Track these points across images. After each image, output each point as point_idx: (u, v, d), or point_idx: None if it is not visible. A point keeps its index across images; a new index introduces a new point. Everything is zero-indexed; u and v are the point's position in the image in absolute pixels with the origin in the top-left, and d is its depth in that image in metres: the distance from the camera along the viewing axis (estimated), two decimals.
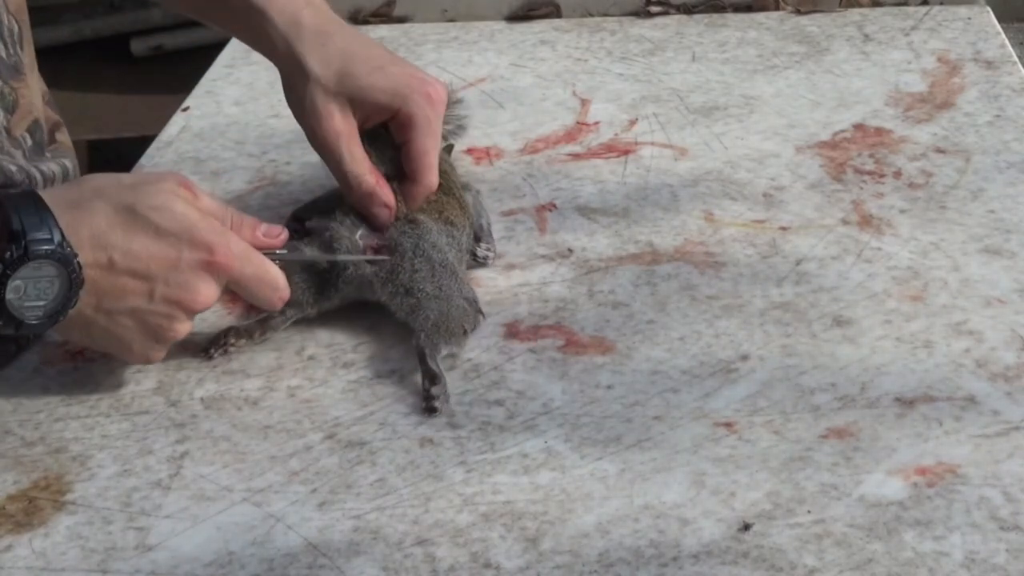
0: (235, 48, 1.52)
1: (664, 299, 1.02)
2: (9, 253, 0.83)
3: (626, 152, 1.24)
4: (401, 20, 1.57)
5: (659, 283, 1.04)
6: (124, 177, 0.93)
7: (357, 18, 1.57)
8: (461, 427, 0.90)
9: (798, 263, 1.06)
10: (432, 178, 1.04)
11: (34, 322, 0.86)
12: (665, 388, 0.92)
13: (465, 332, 0.97)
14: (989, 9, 1.50)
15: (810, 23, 1.50)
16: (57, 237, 0.84)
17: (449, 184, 1.07)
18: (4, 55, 1.04)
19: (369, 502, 0.84)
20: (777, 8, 1.53)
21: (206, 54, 1.55)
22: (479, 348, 0.97)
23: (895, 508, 0.80)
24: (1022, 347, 0.94)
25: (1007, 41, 1.42)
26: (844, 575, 0.76)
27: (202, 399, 0.95)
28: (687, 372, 0.94)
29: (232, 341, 0.98)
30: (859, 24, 1.48)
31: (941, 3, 1.51)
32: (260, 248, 0.94)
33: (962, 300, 1.00)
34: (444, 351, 0.95)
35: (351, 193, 1.02)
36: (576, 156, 1.24)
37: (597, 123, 1.30)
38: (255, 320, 1.00)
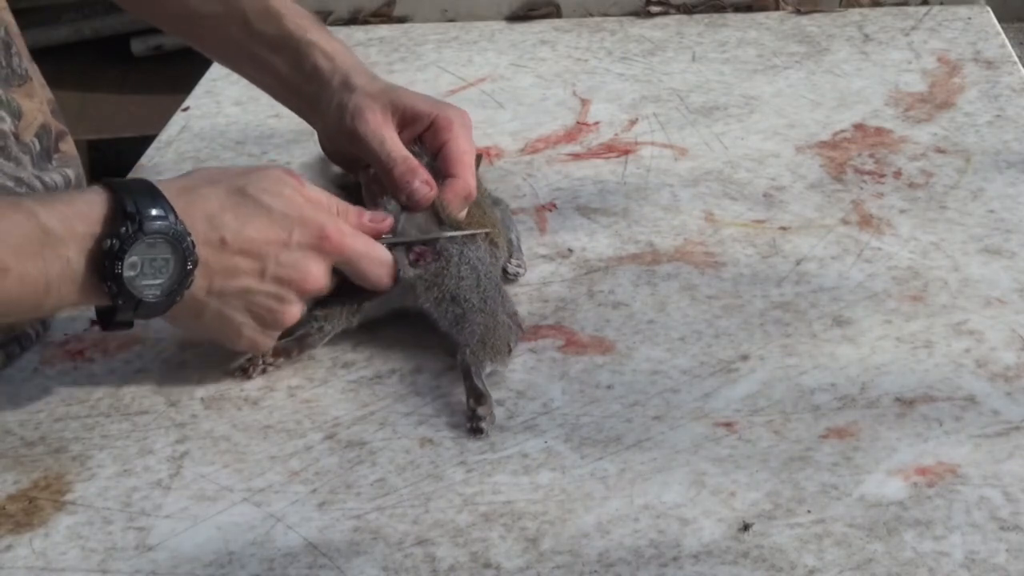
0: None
1: (664, 299, 1.02)
2: (124, 228, 0.84)
3: (626, 152, 1.24)
4: (401, 20, 1.57)
5: (659, 283, 1.04)
6: (233, 167, 0.95)
7: (357, 18, 1.57)
8: (461, 427, 0.90)
9: (798, 263, 1.06)
10: (471, 179, 1.04)
11: (152, 300, 0.86)
12: (665, 388, 0.92)
13: (509, 349, 0.95)
14: (989, 9, 1.50)
15: (810, 23, 1.50)
16: (171, 216, 0.86)
17: (481, 198, 1.06)
18: (2, 63, 1.05)
19: (369, 502, 0.84)
20: (777, 8, 1.53)
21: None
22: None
23: (895, 508, 0.80)
24: (1022, 347, 0.94)
25: (1007, 41, 1.42)
26: (844, 575, 0.76)
27: (202, 399, 0.95)
28: (687, 372, 0.94)
29: (270, 360, 0.97)
30: (859, 24, 1.48)
31: (941, 3, 1.51)
32: (367, 233, 0.96)
33: (962, 300, 1.00)
34: (488, 368, 0.93)
35: (392, 172, 1.02)
36: (576, 156, 1.24)
37: (597, 123, 1.30)
38: (293, 339, 0.97)
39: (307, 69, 1.08)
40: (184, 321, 0.92)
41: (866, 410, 0.89)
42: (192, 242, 0.87)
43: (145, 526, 0.83)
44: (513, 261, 1.05)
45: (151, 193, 0.87)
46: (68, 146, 1.16)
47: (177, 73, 1.97)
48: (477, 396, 0.90)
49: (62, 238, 0.83)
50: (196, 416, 0.93)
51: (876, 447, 0.85)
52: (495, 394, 0.92)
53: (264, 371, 0.97)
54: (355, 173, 1.10)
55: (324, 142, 1.11)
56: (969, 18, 1.47)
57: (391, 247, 0.97)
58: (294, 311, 0.93)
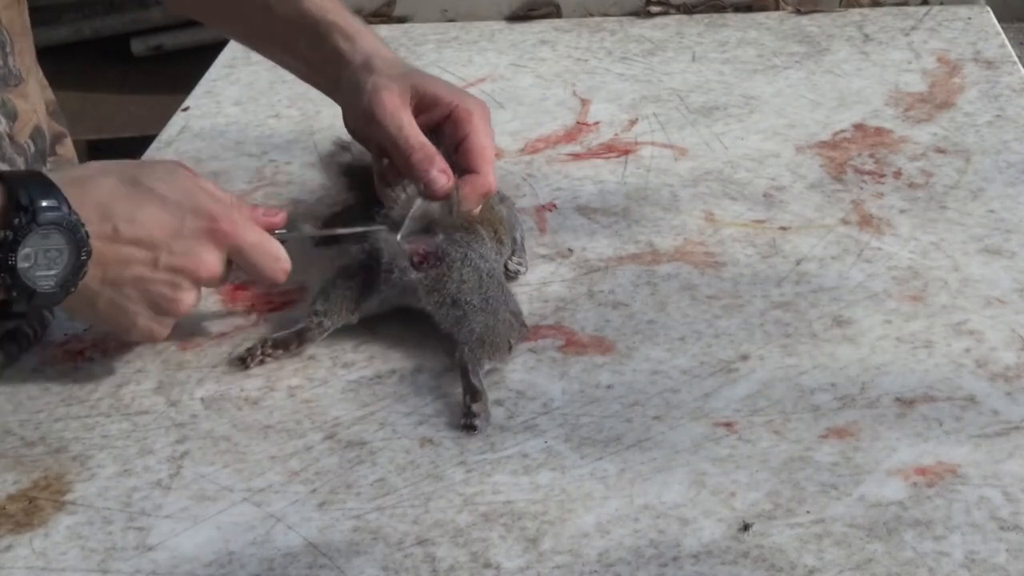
0: (235, 48, 1.52)
1: (664, 299, 1.02)
2: (18, 220, 0.84)
3: (626, 152, 1.24)
4: (401, 20, 1.57)
5: (659, 283, 1.04)
6: (128, 161, 0.95)
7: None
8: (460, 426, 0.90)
9: (798, 263, 1.06)
10: (491, 174, 1.03)
11: (46, 290, 0.86)
12: (665, 388, 0.92)
13: (510, 347, 0.95)
14: (989, 9, 1.50)
15: (810, 23, 1.50)
16: (64, 206, 0.86)
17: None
18: None
19: (369, 502, 0.84)
20: (777, 8, 1.53)
21: (206, 54, 1.55)
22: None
23: (895, 508, 0.80)
24: (1022, 347, 0.94)
25: (1007, 41, 1.42)
26: (844, 575, 0.76)
27: (202, 399, 0.95)
28: (687, 372, 0.94)
29: (268, 352, 0.97)
30: (859, 24, 1.48)
31: (941, 3, 1.51)
32: (260, 227, 0.95)
33: (962, 300, 1.00)
34: (487, 366, 0.93)
35: (409, 159, 1.01)
36: (576, 156, 1.24)
37: (597, 123, 1.30)
38: (292, 331, 0.98)
39: (327, 51, 1.08)
40: (79, 311, 0.93)
41: (866, 410, 0.89)
42: (86, 232, 0.87)
43: (145, 526, 0.83)
44: (514, 259, 1.05)
45: (44, 184, 0.87)
46: (66, 149, 1.16)
47: (177, 73, 1.97)
48: (473, 393, 0.90)
49: None
50: (196, 416, 0.93)
51: (876, 447, 0.85)
52: (495, 394, 0.92)
53: (262, 362, 0.97)
54: (378, 154, 1.09)
55: (347, 122, 1.10)
56: (969, 18, 1.47)
57: (402, 240, 0.98)
58: (189, 298, 0.93)
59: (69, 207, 0.86)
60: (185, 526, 0.83)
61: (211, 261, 0.92)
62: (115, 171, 0.92)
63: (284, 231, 0.98)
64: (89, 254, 0.87)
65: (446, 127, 1.04)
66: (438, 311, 0.96)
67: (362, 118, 1.05)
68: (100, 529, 0.83)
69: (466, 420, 0.89)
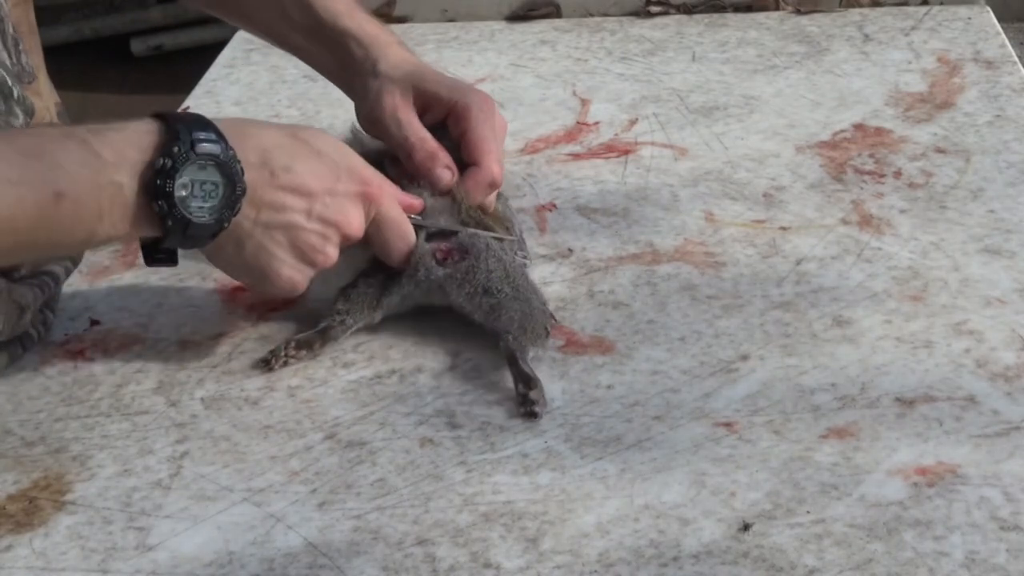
0: (235, 48, 1.52)
1: (664, 299, 1.02)
2: (176, 148, 0.85)
3: (626, 152, 1.24)
4: (401, 20, 1.57)
5: (659, 283, 1.04)
6: (278, 124, 0.98)
7: None
8: (461, 427, 0.90)
9: (798, 263, 1.06)
10: (494, 166, 1.04)
11: (202, 221, 0.87)
12: (665, 388, 0.92)
13: (547, 333, 0.96)
14: (989, 9, 1.50)
15: (810, 23, 1.50)
16: (222, 143, 0.87)
17: None
18: (8, 63, 1.05)
19: (369, 502, 0.84)
20: (777, 8, 1.53)
21: (206, 54, 1.55)
22: (479, 348, 0.97)
23: (895, 508, 0.80)
24: (1022, 347, 0.94)
25: (1007, 41, 1.42)
26: (844, 575, 0.76)
27: (202, 399, 0.95)
28: (687, 372, 0.94)
29: (292, 353, 0.97)
30: (859, 24, 1.48)
31: (941, 3, 1.51)
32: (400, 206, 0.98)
33: (962, 300, 1.00)
34: (531, 352, 0.94)
35: (412, 157, 1.03)
36: (576, 156, 1.24)
37: (597, 123, 1.30)
38: (315, 331, 0.98)
39: (342, 57, 1.09)
40: (226, 252, 0.93)
41: (866, 410, 0.89)
42: (241, 169, 0.88)
43: (145, 526, 0.83)
44: (520, 253, 1.06)
45: (203, 122, 0.88)
46: None
47: (177, 73, 1.98)
48: (526, 380, 0.91)
49: (115, 163, 0.84)
50: (196, 416, 0.93)
51: (876, 447, 0.85)
52: (497, 393, 0.92)
53: (286, 363, 0.97)
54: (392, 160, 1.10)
55: (361, 125, 1.11)
56: (969, 18, 1.47)
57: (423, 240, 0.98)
58: (335, 253, 0.94)
59: (226, 143, 0.87)
60: (185, 526, 0.83)
61: (358, 221, 0.94)
62: (275, 124, 0.94)
63: (418, 217, 0.99)
64: (244, 191, 0.88)
65: (449, 123, 1.05)
66: (471, 302, 0.97)
67: (368, 121, 1.06)
68: (100, 529, 0.83)
69: (525, 408, 0.90)
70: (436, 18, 1.57)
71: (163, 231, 0.87)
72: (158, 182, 0.85)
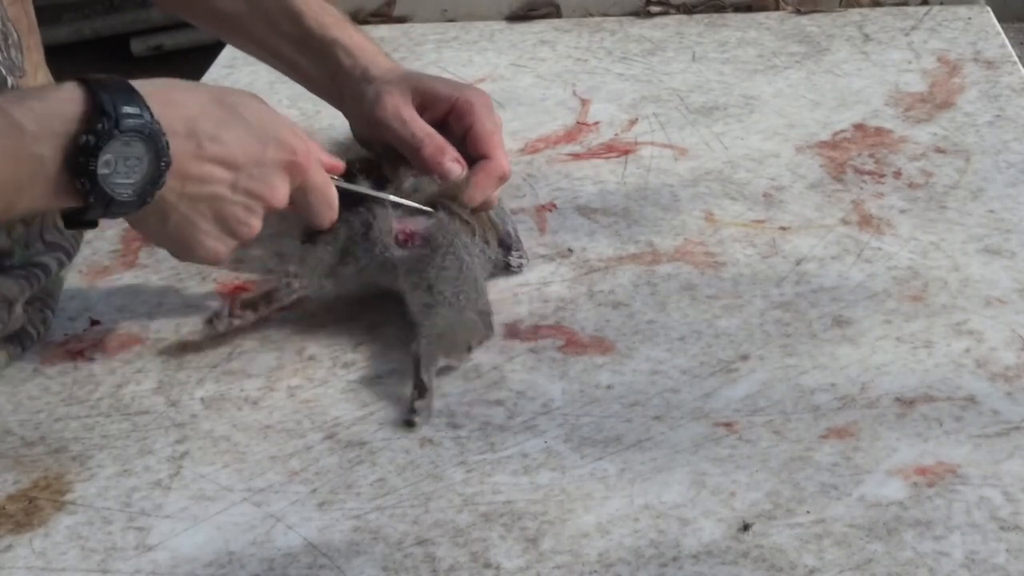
0: (235, 48, 1.52)
1: (664, 299, 1.02)
2: (101, 125, 0.83)
3: (626, 152, 1.24)
4: (401, 20, 1.57)
5: (659, 283, 1.04)
6: (207, 85, 0.97)
7: (357, 18, 1.57)
8: (461, 427, 0.90)
9: (798, 263, 1.06)
10: (503, 158, 1.04)
11: (124, 198, 0.86)
12: (665, 388, 0.92)
13: (469, 348, 0.95)
14: (989, 9, 1.50)
15: (810, 23, 1.50)
16: (147, 114, 0.85)
17: None
18: (3, 53, 1.05)
19: (369, 502, 0.84)
20: (777, 8, 1.53)
21: (206, 54, 1.55)
22: (479, 348, 0.97)
23: (895, 508, 0.80)
24: (1022, 347, 0.94)
25: (1007, 41, 1.42)
26: (844, 575, 0.76)
27: (202, 399, 0.95)
28: (687, 372, 0.94)
29: (237, 313, 0.98)
30: (859, 24, 1.48)
31: (941, 3, 1.51)
32: (325, 169, 0.97)
33: (962, 300, 1.00)
34: (442, 363, 0.93)
35: (420, 152, 1.03)
36: (576, 156, 1.24)
37: (597, 123, 1.30)
38: (259, 294, 0.99)
39: (331, 67, 1.09)
40: (150, 224, 0.92)
41: (866, 410, 0.89)
42: (167, 142, 0.86)
43: (145, 526, 0.83)
44: (515, 253, 1.06)
45: (128, 91, 0.86)
46: None
47: (177, 73, 1.97)
48: (420, 389, 0.90)
49: (36, 135, 0.82)
50: (196, 416, 0.93)
51: (876, 447, 0.85)
52: (495, 394, 0.92)
53: (230, 324, 0.97)
54: (391, 163, 1.10)
55: (356, 133, 1.12)
56: (969, 18, 1.47)
57: (394, 215, 0.99)
58: (257, 225, 0.93)
59: (152, 115, 0.85)
60: (185, 526, 0.83)
61: (283, 192, 0.93)
62: (203, 89, 0.93)
63: (339, 179, 0.99)
64: (168, 164, 0.86)
65: (451, 121, 1.06)
66: (412, 292, 0.97)
67: (368, 124, 1.06)
68: (100, 529, 0.83)
69: (407, 416, 0.90)
70: (436, 18, 1.57)
71: (85, 205, 0.85)
72: (80, 159, 0.83)
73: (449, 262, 0.97)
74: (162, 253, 1.03)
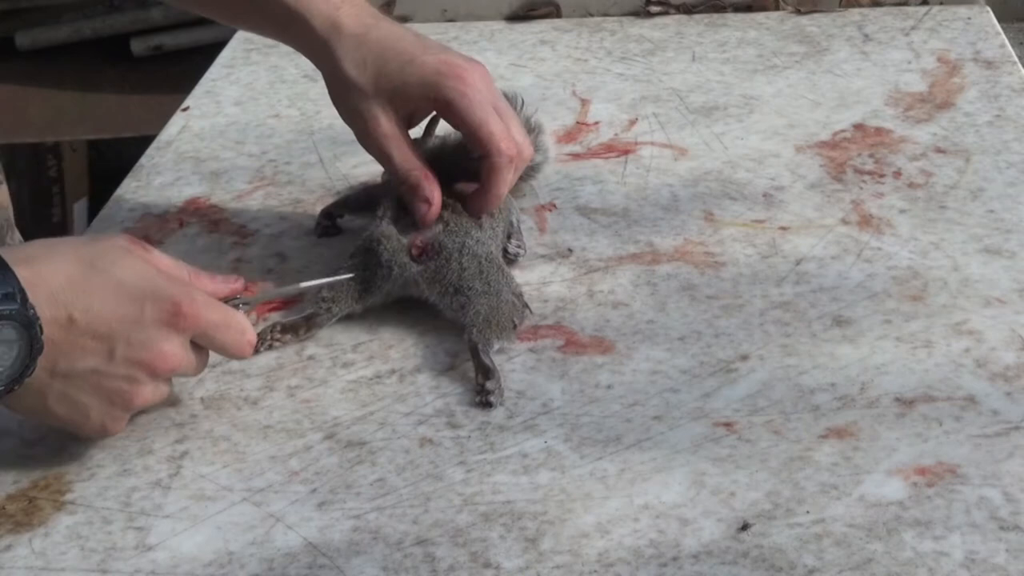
0: (235, 48, 1.52)
1: (664, 299, 1.02)
2: None
3: (626, 152, 1.24)
4: (401, 20, 1.57)
5: (659, 283, 1.04)
6: (75, 238, 0.90)
7: None
8: (461, 427, 0.90)
9: (798, 263, 1.06)
10: (504, 144, 1.00)
11: None
12: (665, 388, 0.92)
13: (515, 326, 0.97)
14: (989, 9, 1.50)
15: (810, 23, 1.50)
16: (18, 297, 0.79)
17: None
18: None
19: (369, 502, 0.84)
20: (777, 8, 1.53)
21: (206, 54, 1.55)
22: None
23: (895, 508, 0.80)
24: (1022, 347, 0.94)
25: (1007, 41, 1.42)
26: (844, 575, 0.76)
27: (202, 399, 0.95)
28: (687, 372, 0.94)
29: (277, 336, 0.99)
30: (859, 24, 1.48)
31: (941, 3, 1.51)
32: (222, 297, 0.91)
33: (962, 300, 1.00)
34: (496, 345, 0.95)
35: (400, 187, 1.03)
36: (576, 156, 1.24)
37: (597, 123, 1.30)
38: (301, 316, 1.00)
39: (316, 49, 1.05)
40: (27, 405, 0.85)
41: (866, 410, 0.89)
42: (40, 327, 0.80)
43: (145, 526, 0.83)
44: (513, 242, 1.06)
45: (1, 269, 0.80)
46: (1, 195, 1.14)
47: (177, 73, 1.97)
48: (485, 371, 0.93)
49: None
50: (196, 416, 0.93)
51: (876, 447, 0.85)
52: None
53: (271, 347, 0.99)
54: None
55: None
56: (969, 18, 1.47)
57: (394, 230, 0.99)
58: (145, 392, 0.86)
59: (25, 298, 0.79)
60: (185, 526, 0.83)
61: (171, 352, 0.85)
62: (69, 252, 0.85)
63: (242, 297, 0.94)
64: (41, 350, 0.80)
65: (444, 119, 1.05)
66: (441, 300, 0.99)
67: (353, 129, 1.05)
68: (100, 529, 0.83)
69: (481, 397, 0.91)
70: (436, 18, 1.57)
71: None
72: None
73: (467, 262, 0.99)
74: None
